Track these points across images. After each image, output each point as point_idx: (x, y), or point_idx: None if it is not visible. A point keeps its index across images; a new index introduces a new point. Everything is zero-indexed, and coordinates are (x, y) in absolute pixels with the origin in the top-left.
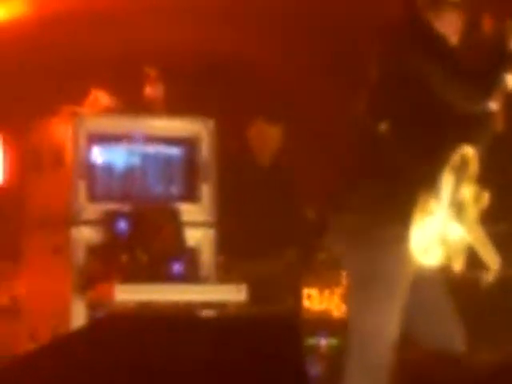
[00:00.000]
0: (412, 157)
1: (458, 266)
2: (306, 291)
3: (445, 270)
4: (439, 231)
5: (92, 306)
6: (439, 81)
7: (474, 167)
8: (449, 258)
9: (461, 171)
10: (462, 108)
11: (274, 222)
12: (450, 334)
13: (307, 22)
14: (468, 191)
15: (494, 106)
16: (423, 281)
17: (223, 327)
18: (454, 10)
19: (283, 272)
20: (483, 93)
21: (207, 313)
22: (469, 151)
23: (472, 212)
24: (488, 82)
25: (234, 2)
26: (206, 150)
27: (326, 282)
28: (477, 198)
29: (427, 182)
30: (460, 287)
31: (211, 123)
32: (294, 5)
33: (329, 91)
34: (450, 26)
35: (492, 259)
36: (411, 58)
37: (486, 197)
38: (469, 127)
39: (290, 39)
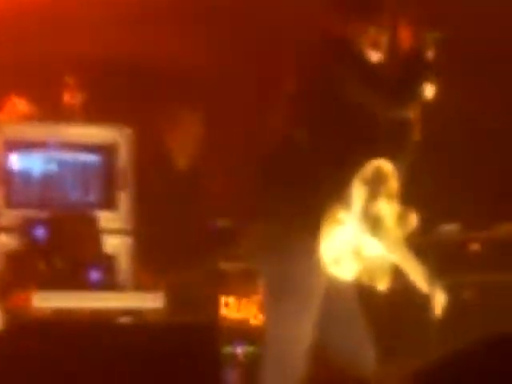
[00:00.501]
0: (325, 166)
1: (382, 285)
2: (223, 299)
3: (367, 289)
4: (351, 243)
5: (9, 313)
6: (360, 93)
7: (392, 183)
8: (370, 277)
9: (375, 184)
10: (382, 116)
11: (189, 232)
12: (360, 348)
13: (231, 23)
14: (388, 208)
15: (410, 114)
16: (337, 293)
17: (140, 334)
18: (376, 25)
19: (201, 280)
20: (403, 102)
21: (125, 320)
22: (385, 165)
23: (395, 231)
24: (407, 92)
25: (153, 6)
26: (123, 158)
27: (243, 290)
28: (401, 218)
29: (338, 191)
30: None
31: (129, 131)
32: (217, 6)
33: (249, 99)
34: (372, 41)
35: (422, 281)
36: (332, 70)
37: (413, 218)
38: (386, 139)
39: (213, 41)
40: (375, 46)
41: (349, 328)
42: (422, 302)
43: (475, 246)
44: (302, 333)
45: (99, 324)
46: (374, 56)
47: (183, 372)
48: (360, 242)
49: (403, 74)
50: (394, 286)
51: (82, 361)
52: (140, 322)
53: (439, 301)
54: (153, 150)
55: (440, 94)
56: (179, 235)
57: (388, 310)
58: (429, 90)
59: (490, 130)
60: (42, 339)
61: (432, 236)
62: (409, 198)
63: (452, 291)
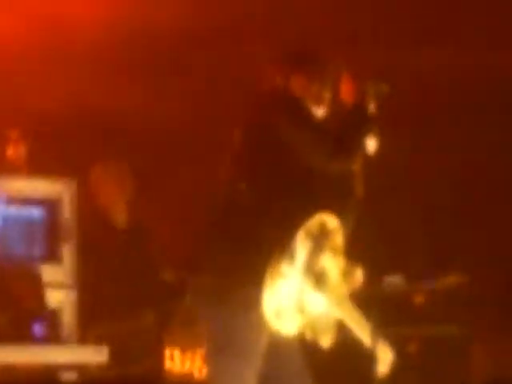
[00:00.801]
0: (267, 219)
1: (326, 342)
2: (168, 352)
3: (311, 346)
4: (294, 298)
5: None
6: (302, 147)
7: (337, 238)
8: (313, 333)
9: (320, 239)
10: (324, 172)
11: (133, 284)
12: None
13: (176, 74)
14: (333, 263)
15: (354, 167)
16: (280, 348)
17: None
18: (320, 81)
19: (140, 333)
20: (345, 156)
21: (68, 375)
22: (330, 220)
23: (340, 287)
24: (348, 146)
25: (93, 58)
26: (67, 211)
27: (188, 343)
28: (347, 274)
29: (280, 244)
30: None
31: (73, 183)
32: (160, 56)
33: (192, 152)
34: (316, 97)
35: (366, 336)
36: (275, 125)
37: (358, 274)
38: (329, 193)
39: (157, 93)
40: (319, 101)
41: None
42: (367, 357)
43: (419, 298)
44: None
45: (42, 379)
46: (319, 112)
47: None
48: (303, 296)
49: (344, 128)
50: (338, 340)
51: None
52: (84, 378)
53: (386, 358)
54: (91, 204)
55: (382, 145)
56: (124, 288)
57: (331, 364)
58: (371, 144)
59: (433, 182)
60: None
61: (376, 288)
62: (352, 249)
63: (396, 344)
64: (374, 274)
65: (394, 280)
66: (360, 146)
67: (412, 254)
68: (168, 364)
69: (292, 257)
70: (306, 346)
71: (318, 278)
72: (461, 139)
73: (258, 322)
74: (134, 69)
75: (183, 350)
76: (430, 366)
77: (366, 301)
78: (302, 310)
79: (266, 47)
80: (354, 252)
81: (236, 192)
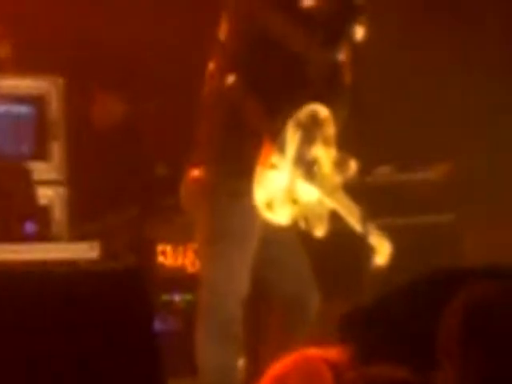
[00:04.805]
0: (257, 109)
1: (319, 231)
2: (159, 247)
3: (305, 235)
4: (285, 188)
5: None
6: (289, 32)
7: (329, 129)
8: (307, 223)
9: (311, 129)
10: (313, 62)
11: (120, 181)
12: (304, 289)
13: None
14: (325, 154)
15: (341, 56)
16: (274, 237)
17: (73, 282)
18: None
19: (137, 228)
20: (334, 44)
21: (59, 269)
22: (321, 110)
23: (332, 177)
24: (337, 34)
25: None
26: (55, 109)
27: (179, 237)
28: (339, 164)
29: (270, 135)
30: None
31: (60, 81)
32: None
33: (178, 45)
34: None
35: (359, 225)
36: (262, 12)
37: (352, 165)
38: (319, 83)
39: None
40: None
41: (290, 270)
42: (357, 246)
43: (410, 188)
44: (235, 275)
45: (31, 272)
46: (308, 1)
47: (114, 316)
48: (295, 186)
49: (332, 16)
50: (331, 229)
51: (15, 309)
52: (73, 270)
53: (384, 249)
54: (80, 102)
55: (373, 35)
56: (116, 183)
57: (323, 253)
58: (359, 32)
59: (421, 73)
60: None
61: (366, 179)
62: (342, 140)
63: (388, 234)
64: (364, 165)
65: (385, 170)
66: (348, 34)
67: (401, 145)
68: (160, 259)
69: (282, 147)
70: (301, 236)
71: (309, 168)
72: (447, 36)
73: (250, 211)
74: None
75: (175, 245)
76: (422, 256)
77: (357, 191)
78: (294, 201)
79: None
80: (345, 143)
81: (225, 84)
